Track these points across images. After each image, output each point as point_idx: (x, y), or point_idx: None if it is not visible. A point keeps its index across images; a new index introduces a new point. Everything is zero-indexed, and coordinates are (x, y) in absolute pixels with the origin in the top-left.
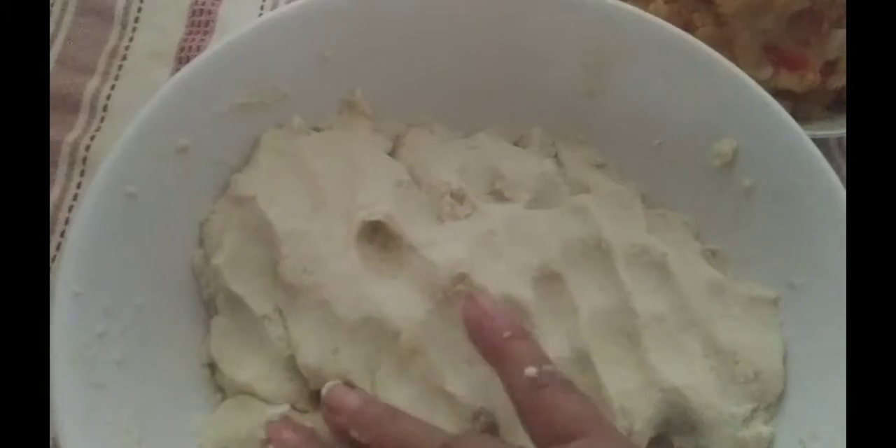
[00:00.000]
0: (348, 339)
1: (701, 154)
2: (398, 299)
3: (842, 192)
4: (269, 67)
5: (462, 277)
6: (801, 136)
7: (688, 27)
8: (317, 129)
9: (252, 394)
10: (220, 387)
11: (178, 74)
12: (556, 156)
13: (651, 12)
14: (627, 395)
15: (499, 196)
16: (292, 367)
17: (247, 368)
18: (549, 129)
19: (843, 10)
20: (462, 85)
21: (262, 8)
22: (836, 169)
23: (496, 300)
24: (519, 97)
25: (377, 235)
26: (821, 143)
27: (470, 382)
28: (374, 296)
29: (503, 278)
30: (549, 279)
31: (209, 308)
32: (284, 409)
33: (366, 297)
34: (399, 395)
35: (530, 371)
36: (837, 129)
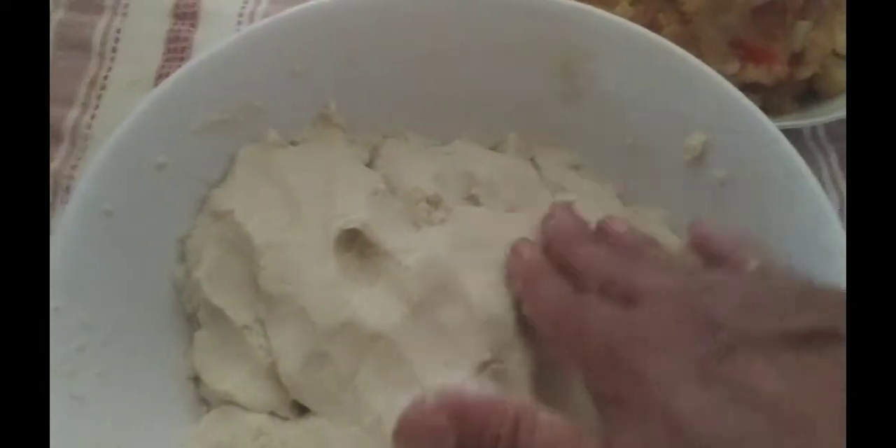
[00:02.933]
0: (327, 345)
1: (673, 150)
2: (375, 304)
3: (813, 182)
4: (241, 83)
5: (443, 282)
6: (770, 127)
7: (653, 27)
8: (293, 143)
9: (234, 403)
10: (205, 399)
11: (153, 93)
12: (532, 159)
13: (617, 14)
14: None
15: (474, 201)
16: (273, 375)
17: (229, 379)
18: (524, 134)
19: (804, 2)
20: (435, 94)
21: (237, 33)
22: (810, 159)
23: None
24: (493, 103)
25: (354, 243)
26: (793, 133)
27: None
28: (351, 302)
29: (483, 282)
30: None
31: (192, 323)
32: (262, 417)
33: (343, 304)
34: (378, 399)
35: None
36: (808, 119)
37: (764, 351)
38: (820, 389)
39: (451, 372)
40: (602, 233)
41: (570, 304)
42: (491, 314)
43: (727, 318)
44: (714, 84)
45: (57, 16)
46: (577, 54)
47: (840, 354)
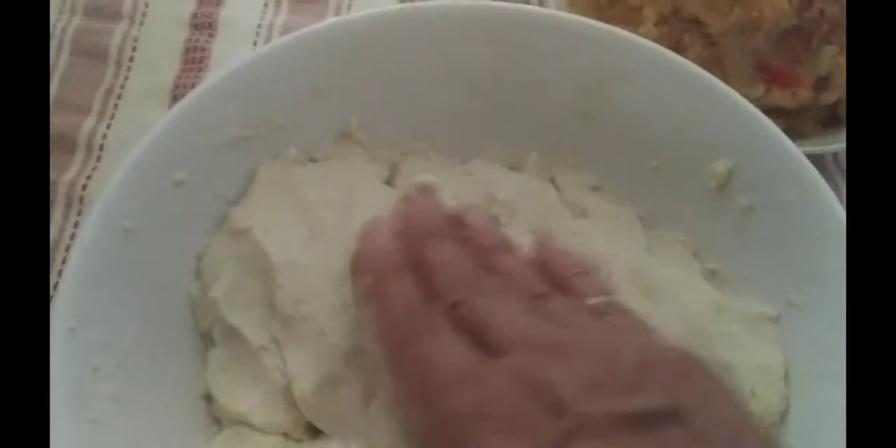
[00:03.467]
0: (343, 369)
1: (697, 175)
2: None
3: (839, 209)
4: (262, 100)
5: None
6: (795, 153)
7: (678, 48)
8: (312, 160)
9: (248, 424)
10: (217, 418)
11: (173, 109)
12: (552, 180)
13: (641, 35)
14: None
15: (495, 221)
16: (288, 397)
17: (243, 399)
18: (544, 154)
19: (830, 27)
20: (456, 112)
21: (255, 43)
22: (833, 185)
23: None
24: (514, 122)
25: None
26: (816, 158)
27: None
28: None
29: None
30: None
31: (206, 340)
32: (275, 439)
33: (361, 327)
34: (393, 424)
35: (594, 301)
36: (832, 145)
37: (603, 438)
38: None
39: None
40: (460, 224)
41: (418, 323)
42: None
43: (573, 398)
44: (741, 109)
45: (74, 22)
46: (602, 75)
47: (678, 437)
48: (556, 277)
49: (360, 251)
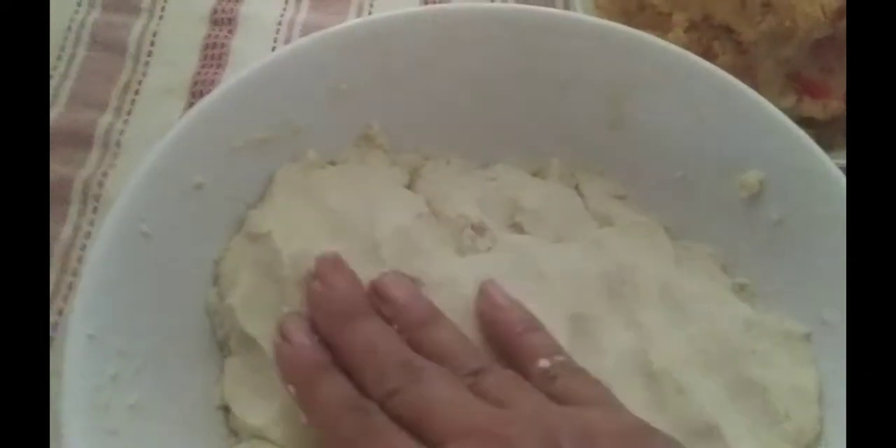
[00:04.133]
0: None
1: (726, 186)
2: None
3: None
4: (283, 102)
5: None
6: (829, 166)
7: (708, 55)
8: (332, 163)
9: (265, 438)
10: (234, 430)
11: (191, 111)
12: (576, 187)
13: (671, 41)
14: None
15: (518, 229)
16: None
17: (260, 412)
18: (568, 160)
19: None
20: (480, 116)
21: (275, 40)
22: None
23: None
24: (538, 128)
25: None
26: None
27: None
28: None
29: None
30: (577, 319)
31: (224, 349)
32: None
33: None
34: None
35: (543, 363)
36: None
37: None
38: None
39: None
40: (381, 299)
41: (353, 424)
42: None
43: None
44: (774, 120)
45: (92, 16)
46: (631, 81)
47: None
48: (501, 337)
49: (278, 357)
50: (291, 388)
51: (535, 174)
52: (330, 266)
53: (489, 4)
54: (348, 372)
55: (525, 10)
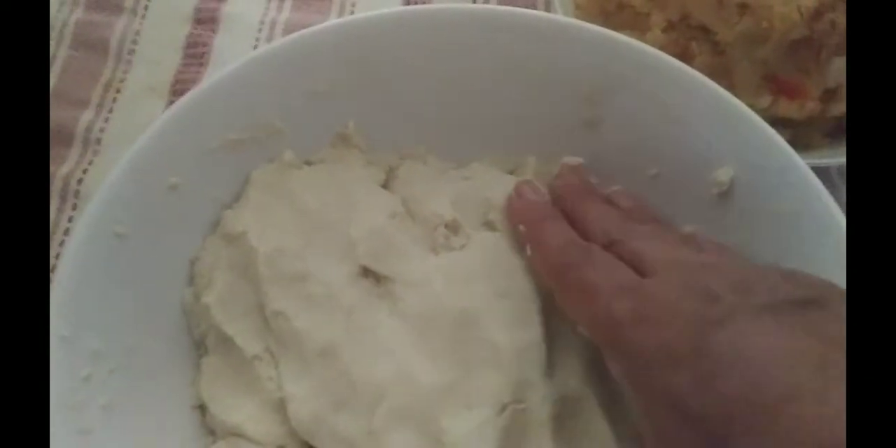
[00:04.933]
0: (345, 392)
1: (698, 183)
2: (394, 347)
3: (841, 220)
4: (260, 102)
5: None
6: (798, 164)
7: (685, 56)
8: (308, 163)
9: (242, 436)
10: (211, 429)
11: (168, 111)
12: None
13: (648, 41)
14: None
15: (490, 227)
16: (283, 409)
17: (237, 410)
18: (544, 158)
19: (841, 38)
20: (456, 116)
21: (257, 40)
22: (837, 196)
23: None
24: (514, 127)
25: (371, 271)
26: (822, 171)
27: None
28: (366, 345)
29: (505, 318)
30: (549, 314)
31: (200, 348)
32: None
33: (360, 348)
34: (395, 440)
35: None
36: (838, 157)
37: (754, 319)
38: (822, 346)
39: (472, 412)
40: (611, 201)
41: (578, 253)
42: (515, 350)
43: (724, 292)
44: (745, 118)
45: (75, 15)
46: (605, 82)
47: (819, 317)
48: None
49: (511, 205)
50: (522, 227)
51: (510, 172)
52: (572, 169)
53: (466, 5)
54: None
55: (502, 11)
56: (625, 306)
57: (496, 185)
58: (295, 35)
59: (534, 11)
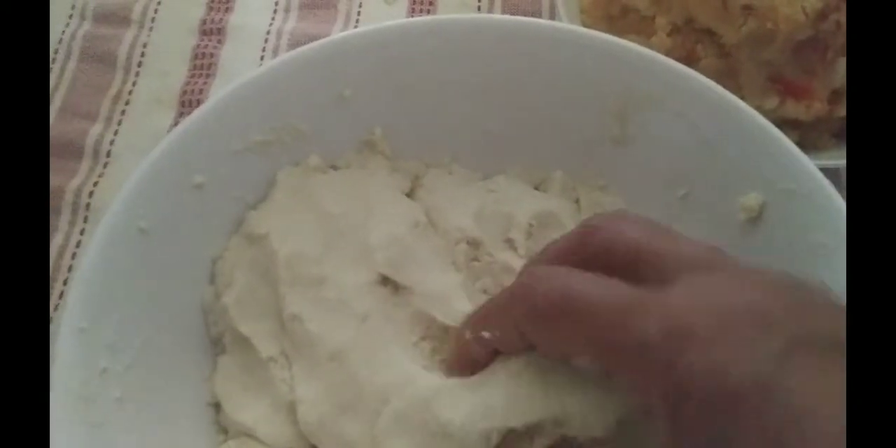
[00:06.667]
0: (354, 397)
1: (726, 207)
2: (405, 359)
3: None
4: (288, 106)
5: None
6: (830, 191)
7: (691, 58)
8: (334, 167)
9: (253, 436)
10: (224, 427)
11: (197, 111)
12: (577, 200)
13: (654, 45)
14: None
15: (511, 245)
16: (294, 411)
17: (250, 410)
18: (570, 173)
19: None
20: (483, 126)
21: (263, 50)
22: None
23: None
24: (542, 140)
25: (390, 280)
26: (831, 172)
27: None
28: (378, 356)
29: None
30: None
31: (217, 346)
32: None
33: (372, 357)
34: (397, 444)
35: None
36: (845, 158)
37: (822, 356)
38: None
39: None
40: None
41: (548, 273)
42: None
43: (780, 315)
44: (778, 144)
45: (83, 28)
46: (637, 98)
47: None
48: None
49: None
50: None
51: (536, 187)
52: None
53: (497, 16)
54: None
55: (533, 23)
56: (652, 326)
57: (520, 201)
58: (324, 40)
59: (565, 24)
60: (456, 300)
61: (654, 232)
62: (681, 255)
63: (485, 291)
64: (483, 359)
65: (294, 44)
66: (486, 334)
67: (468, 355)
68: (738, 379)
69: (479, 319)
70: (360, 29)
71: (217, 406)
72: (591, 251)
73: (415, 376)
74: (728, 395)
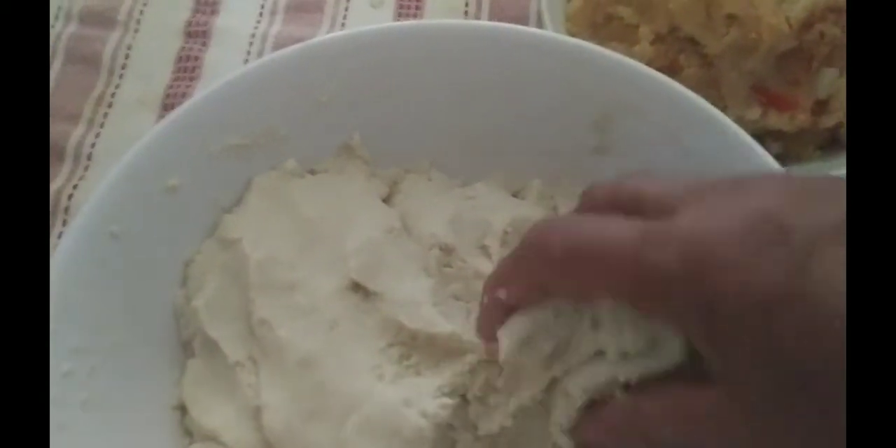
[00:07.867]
0: (321, 403)
1: None
2: (372, 365)
3: None
4: (265, 109)
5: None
6: None
7: (673, 68)
8: (312, 172)
9: (218, 441)
10: (189, 431)
11: (172, 113)
12: (554, 208)
13: (636, 54)
14: None
15: (485, 252)
16: (259, 416)
17: (215, 414)
18: (550, 181)
19: (831, 49)
20: (463, 133)
21: (248, 53)
22: None
23: None
24: (522, 147)
25: (361, 286)
26: None
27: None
28: (347, 361)
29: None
30: None
31: (187, 350)
32: None
33: (341, 362)
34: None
35: None
36: (832, 170)
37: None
38: None
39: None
40: None
41: (553, 224)
42: None
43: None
44: (754, 153)
45: (69, 29)
46: (618, 108)
47: None
48: None
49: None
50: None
51: (515, 194)
52: None
53: (478, 22)
54: None
55: (513, 30)
56: (669, 256)
57: (497, 208)
58: (303, 44)
59: (545, 32)
60: (424, 306)
61: (650, 176)
62: (679, 187)
63: (456, 297)
64: (502, 322)
65: (279, 47)
66: (501, 295)
67: (489, 321)
68: (766, 290)
69: (495, 280)
70: (340, 33)
71: (182, 409)
72: (595, 204)
73: (384, 386)
74: (760, 309)
